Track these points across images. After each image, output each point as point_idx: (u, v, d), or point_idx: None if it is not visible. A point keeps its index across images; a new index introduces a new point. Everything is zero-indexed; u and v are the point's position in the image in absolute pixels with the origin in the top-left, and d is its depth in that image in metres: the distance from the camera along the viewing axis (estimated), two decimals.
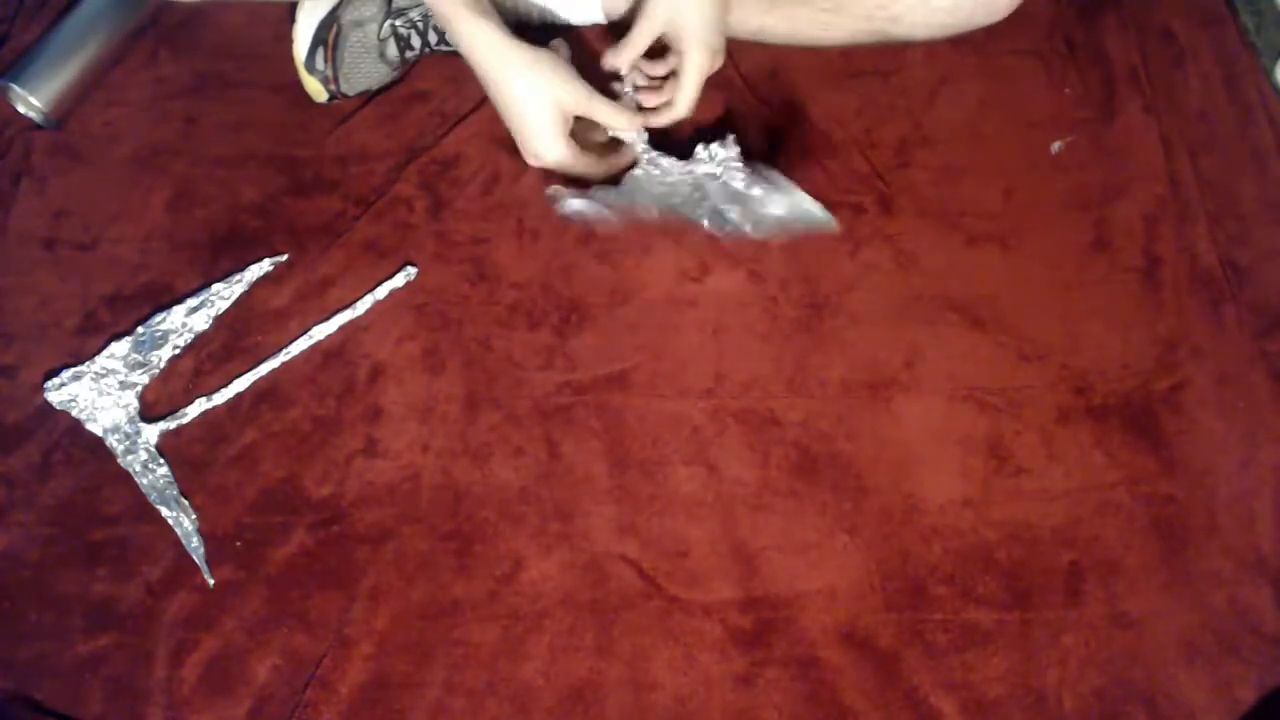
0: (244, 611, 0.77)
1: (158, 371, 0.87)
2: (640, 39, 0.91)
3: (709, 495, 0.81)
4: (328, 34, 0.94)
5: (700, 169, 0.88)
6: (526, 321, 0.88)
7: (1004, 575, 0.77)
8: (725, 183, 0.87)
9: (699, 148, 0.88)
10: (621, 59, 0.92)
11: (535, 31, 1.02)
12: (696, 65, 0.89)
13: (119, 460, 0.82)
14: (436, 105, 0.99)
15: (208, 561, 0.79)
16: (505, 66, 0.86)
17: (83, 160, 0.98)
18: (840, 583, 0.77)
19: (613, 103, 0.88)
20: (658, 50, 0.93)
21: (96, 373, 0.86)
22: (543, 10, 1.02)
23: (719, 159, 0.87)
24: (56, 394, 0.85)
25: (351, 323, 0.88)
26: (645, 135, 0.89)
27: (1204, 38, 1.02)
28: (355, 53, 0.95)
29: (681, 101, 0.90)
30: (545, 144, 0.87)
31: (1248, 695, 0.73)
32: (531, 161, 0.89)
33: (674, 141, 0.92)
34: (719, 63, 0.91)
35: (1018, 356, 0.86)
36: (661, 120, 0.91)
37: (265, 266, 0.91)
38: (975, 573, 0.77)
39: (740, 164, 0.87)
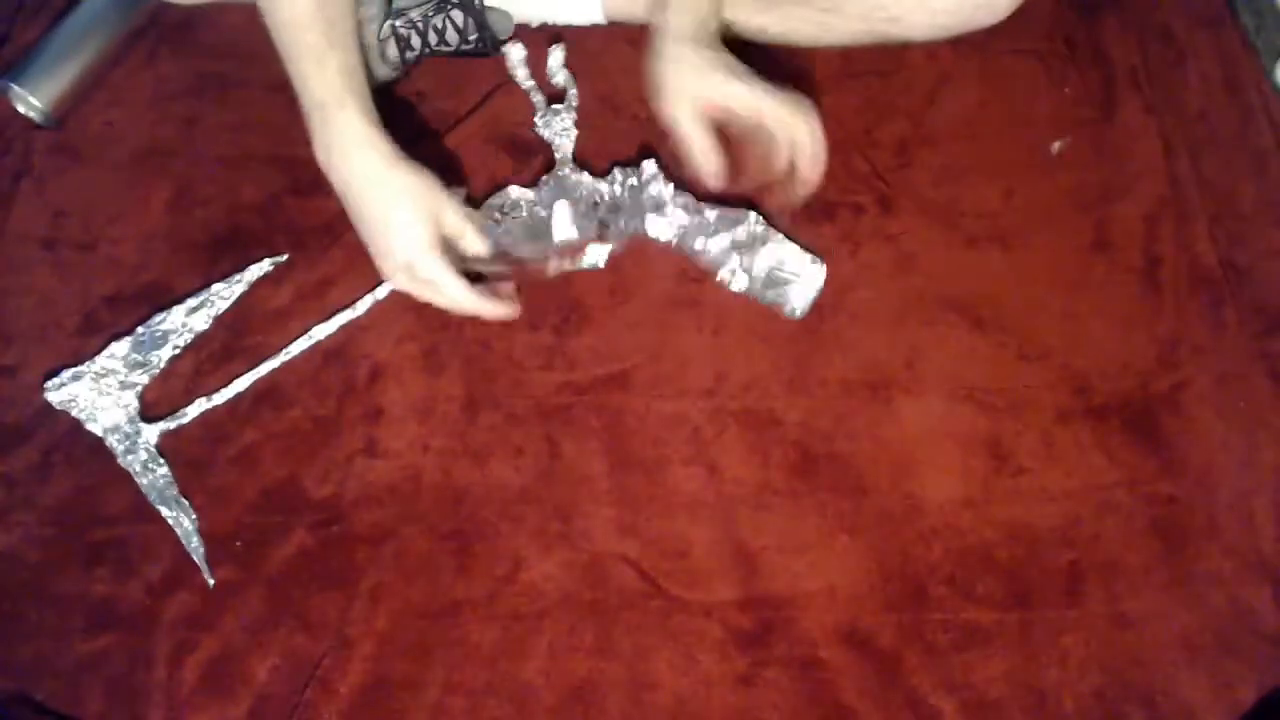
0: (244, 612, 0.77)
1: (158, 371, 0.87)
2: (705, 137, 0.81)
3: (709, 495, 0.81)
4: None
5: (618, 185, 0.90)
6: (526, 321, 0.88)
7: (1004, 575, 0.77)
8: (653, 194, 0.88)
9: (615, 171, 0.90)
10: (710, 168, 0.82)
11: (535, 34, 1.02)
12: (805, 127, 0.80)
13: (119, 460, 0.82)
14: (436, 105, 0.99)
15: (208, 561, 0.79)
16: (389, 173, 0.79)
17: (83, 160, 0.98)
18: (840, 583, 0.77)
19: (480, 234, 0.82)
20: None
21: (96, 373, 0.86)
22: (543, 12, 1.02)
23: (645, 174, 0.89)
24: (56, 394, 0.85)
25: (351, 323, 0.88)
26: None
27: (1204, 38, 1.02)
28: None
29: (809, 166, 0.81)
30: (427, 260, 0.79)
31: (1247, 695, 0.73)
32: (400, 280, 0.82)
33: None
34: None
35: (1018, 357, 0.86)
36: (786, 198, 0.83)
37: (265, 266, 0.91)
38: (975, 573, 0.77)
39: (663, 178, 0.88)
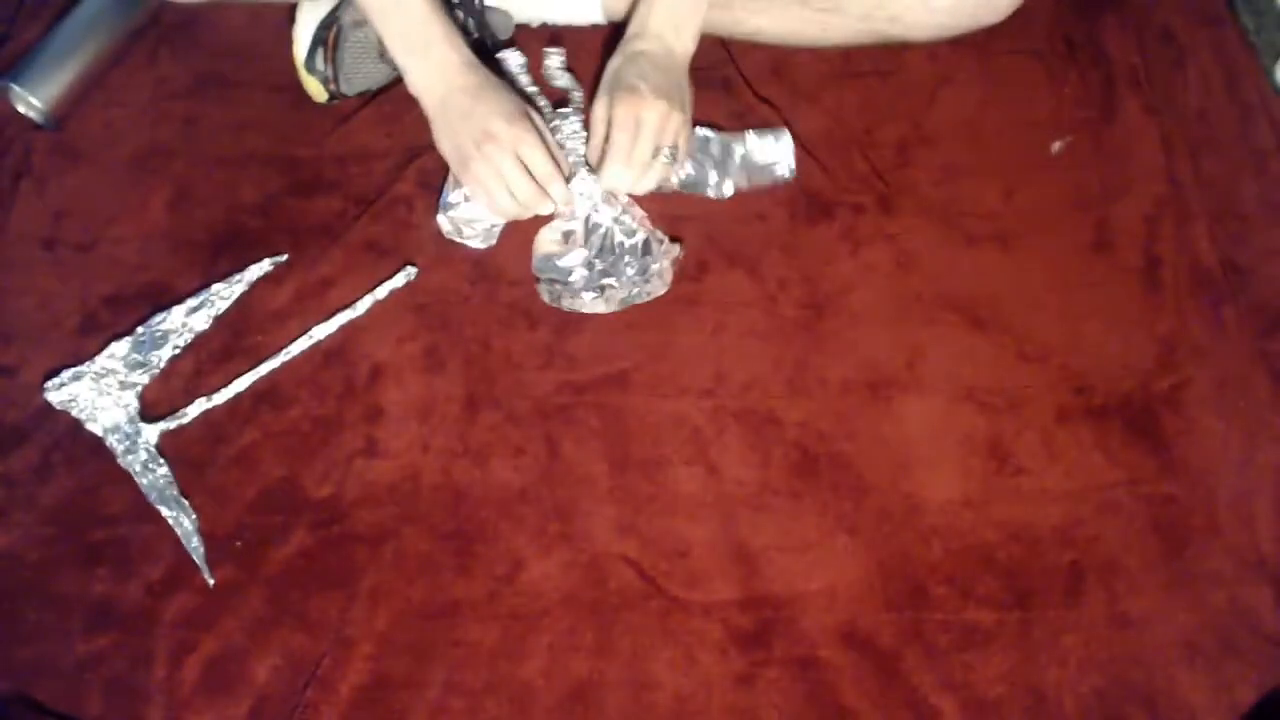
0: (244, 612, 0.77)
1: (158, 371, 0.87)
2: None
3: (709, 495, 0.81)
4: (328, 34, 0.94)
5: None
6: (526, 321, 0.88)
7: (1004, 575, 0.77)
8: None
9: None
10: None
11: (535, 34, 1.02)
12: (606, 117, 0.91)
13: (119, 460, 0.82)
14: None
15: (208, 561, 0.78)
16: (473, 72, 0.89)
17: (83, 160, 0.98)
18: (840, 583, 0.77)
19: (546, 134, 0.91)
20: None
21: (96, 373, 0.86)
22: (543, 12, 1.02)
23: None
24: (56, 394, 0.85)
25: (351, 323, 0.88)
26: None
27: (1204, 38, 1.02)
28: (355, 53, 0.95)
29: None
30: (525, 122, 0.88)
31: (1248, 695, 0.73)
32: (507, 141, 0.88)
33: None
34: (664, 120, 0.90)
35: (1018, 357, 0.86)
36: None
37: (265, 266, 0.91)
38: (975, 573, 0.77)
39: None
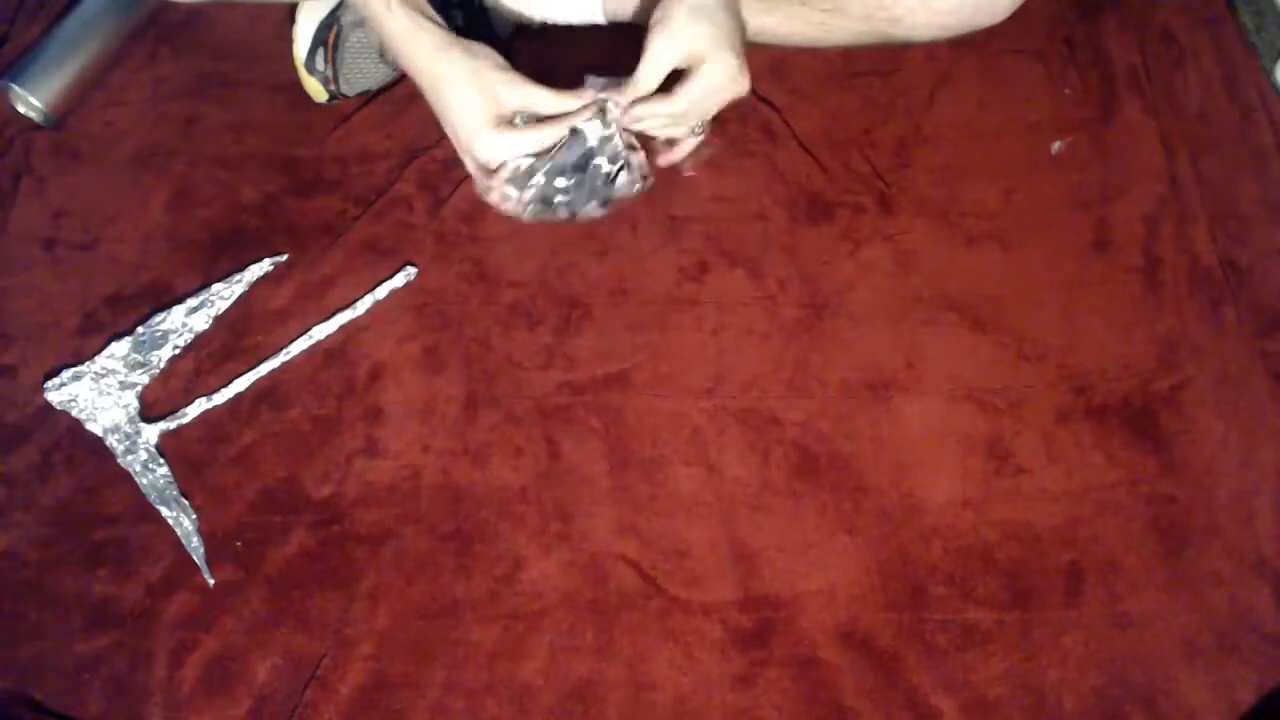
0: (244, 611, 0.77)
1: (158, 371, 0.87)
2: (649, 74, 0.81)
3: (709, 495, 0.81)
4: (328, 34, 0.94)
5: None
6: (526, 321, 0.88)
7: (1004, 575, 0.77)
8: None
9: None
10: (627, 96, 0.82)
11: (535, 34, 1.02)
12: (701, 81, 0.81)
13: (119, 460, 0.82)
14: None
15: (208, 561, 0.79)
16: (440, 60, 0.81)
17: (83, 160, 0.98)
18: (840, 583, 0.77)
19: (553, 89, 0.81)
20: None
21: (96, 373, 0.86)
22: (544, 12, 1.01)
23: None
24: (56, 394, 0.85)
25: (351, 323, 0.88)
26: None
27: (1204, 38, 1.02)
28: (355, 53, 0.95)
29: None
30: (482, 140, 0.80)
31: (1247, 695, 0.73)
32: (471, 166, 0.83)
33: None
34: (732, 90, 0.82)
35: (1017, 357, 0.86)
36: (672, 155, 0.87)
37: (265, 266, 0.91)
38: (975, 573, 0.77)
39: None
